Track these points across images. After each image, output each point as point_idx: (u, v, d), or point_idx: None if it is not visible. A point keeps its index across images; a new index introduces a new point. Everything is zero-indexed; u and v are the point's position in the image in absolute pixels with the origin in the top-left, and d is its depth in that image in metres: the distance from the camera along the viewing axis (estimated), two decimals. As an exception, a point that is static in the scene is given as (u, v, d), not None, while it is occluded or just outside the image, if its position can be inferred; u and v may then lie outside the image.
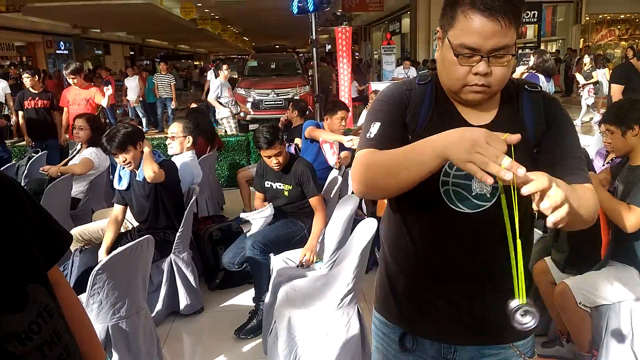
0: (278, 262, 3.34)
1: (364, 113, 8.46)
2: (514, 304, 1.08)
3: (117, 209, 3.55)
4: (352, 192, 3.98)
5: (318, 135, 4.42)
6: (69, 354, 1.04)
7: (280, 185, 3.60)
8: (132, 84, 12.51)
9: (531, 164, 1.27)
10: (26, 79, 6.38)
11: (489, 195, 1.26)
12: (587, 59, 11.80)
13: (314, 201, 3.48)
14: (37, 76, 6.51)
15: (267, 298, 3.12)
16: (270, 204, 3.66)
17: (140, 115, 12.82)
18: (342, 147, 4.39)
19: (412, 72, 12.39)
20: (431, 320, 1.35)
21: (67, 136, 6.34)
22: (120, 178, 3.50)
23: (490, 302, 1.31)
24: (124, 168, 3.46)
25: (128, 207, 3.59)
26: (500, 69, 1.19)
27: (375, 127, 1.29)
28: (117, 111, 14.05)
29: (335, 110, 4.50)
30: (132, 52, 34.03)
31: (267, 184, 3.65)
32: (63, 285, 1.21)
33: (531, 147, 1.29)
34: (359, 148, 1.30)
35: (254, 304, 3.41)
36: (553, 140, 1.30)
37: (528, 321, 1.08)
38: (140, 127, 12.39)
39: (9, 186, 1.02)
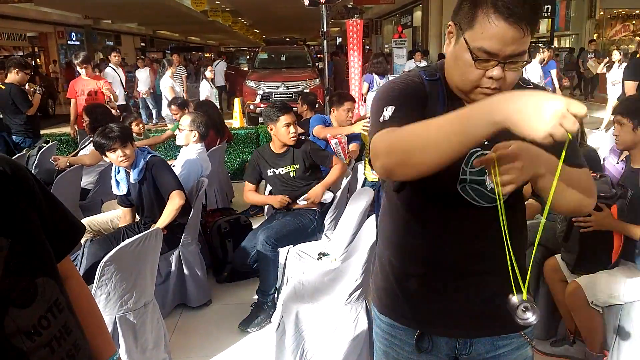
0: (291, 255, 3.33)
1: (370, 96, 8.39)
2: (515, 299, 1.13)
3: (125, 210, 3.57)
4: (363, 186, 3.97)
5: (326, 134, 4.41)
6: (78, 350, 1.02)
7: (283, 170, 3.60)
8: (143, 76, 12.54)
9: None
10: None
11: None
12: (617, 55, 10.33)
13: (333, 163, 3.65)
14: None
15: (281, 292, 3.12)
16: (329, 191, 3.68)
17: (151, 106, 12.84)
18: (349, 140, 4.37)
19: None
20: (447, 316, 1.35)
21: (77, 127, 6.37)
22: (118, 183, 3.46)
23: (502, 292, 1.32)
24: (119, 172, 3.42)
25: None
26: (513, 74, 1.18)
27: (389, 111, 1.20)
28: (129, 103, 14.07)
29: (341, 102, 4.48)
30: (142, 44, 34.07)
31: (270, 172, 3.63)
32: (74, 276, 1.19)
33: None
34: (373, 133, 1.20)
35: (258, 297, 3.41)
36: None
37: (529, 316, 1.12)
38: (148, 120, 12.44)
39: (21, 176, 1.00)
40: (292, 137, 3.54)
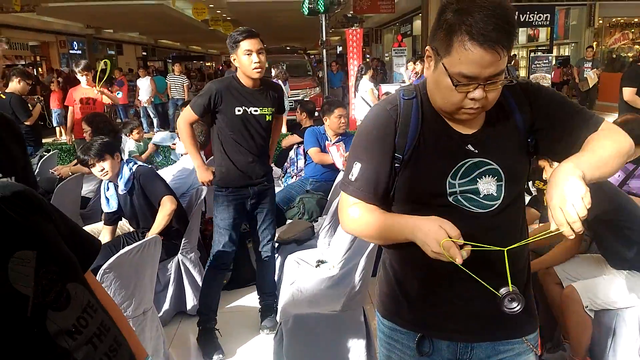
0: (290, 262, 3.35)
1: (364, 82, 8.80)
2: (503, 290, 1.22)
3: (107, 229, 3.52)
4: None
5: (325, 160, 4.44)
6: (119, 345, 1.07)
7: (257, 110, 2.96)
8: (144, 85, 12.61)
9: (526, 157, 1.37)
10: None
11: (495, 194, 1.31)
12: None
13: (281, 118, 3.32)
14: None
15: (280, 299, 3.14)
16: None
17: (152, 115, 12.90)
18: (347, 148, 4.41)
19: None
20: (449, 320, 1.36)
21: (73, 136, 6.39)
22: (107, 200, 3.43)
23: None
24: (108, 189, 3.42)
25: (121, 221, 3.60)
26: (494, 92, 1.23)
27: (356, 169, 1.36)
28: (130, 111, 14.15)
29: (332, 110, 4.48)
30: (144, 53, 34.21)
31: (238, 110, 2.91)
32: (97, 288, 1.24)
33: (524, 139, 1.34)
34: (342, 187, 1.41)
35: (266, 300, 3.40)
36: (544, 114, 1.34)
37: (515, 306, 1.22)
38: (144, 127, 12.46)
39: (34, 197, 1.07)
40: (255, 68, 2.84)
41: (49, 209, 1.10)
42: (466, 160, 1.30)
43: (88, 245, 1.23)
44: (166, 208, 3.29)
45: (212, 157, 5.04)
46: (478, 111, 1.24)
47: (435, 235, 1.16)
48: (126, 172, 3.31)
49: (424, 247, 1.19)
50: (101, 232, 3.57)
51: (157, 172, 3.68)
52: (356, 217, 1.37)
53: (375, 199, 1.37)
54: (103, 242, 3.41)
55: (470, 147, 1.30)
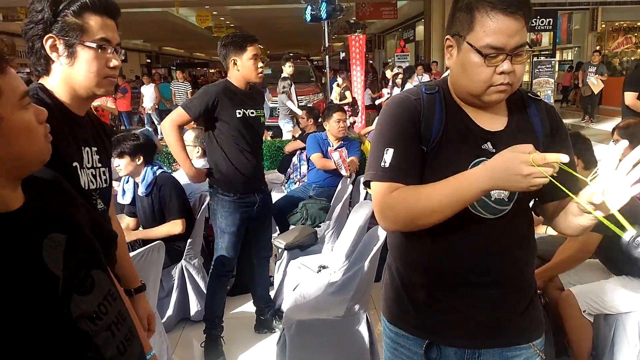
0: (293, 268, 3.36)
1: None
2: (627, 236, 1.07)
3: (130, 220, 3.57)
4: (365, 199, 4.00)
5: (327, 165, 4.46)
6: (132, 335, 1.11)
7: (253, 112, 2.99)
8: (149, 92, 12.68)
9: None
10: None
11: (506, 200, 1.30)
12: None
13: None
14: None
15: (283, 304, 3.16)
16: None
17: (156, 122, 12.96)
18: (348, 152, 4.43)
19: (426, 79, 12.35)
20: (456, 326, 1.36)
21: None
22: (124, 192, 3.49)
23: (512, 303, 1.36)
24: (127, 182, 3.47)
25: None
26: (520, 67, 1.24)
27: (389, 155, 1.27)
28: (134, 118, 14.21)
29: (330, 114, 4.55)
30: (148, 60, 34.36)
31: (238, 112, 2.90)
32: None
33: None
34: (375, 178, 1.30)
35: (269, 307, 3.45)
36: (557, 148, 1.33)
37: None
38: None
39: (65, 184, 1.13)
40: (260, 73, 2.94)
41: (76, 198, 1.14)
42: (481, 159, 1.28)
43: (106, 235, 1.26)
44: (176, 228, 3.33)
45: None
46: (508, 88, 1.24)
47: (519, 159, 1.06)
48: (149, 176, 3.33)
49: (513, 182, 1.08)
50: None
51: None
52: (402, 198, 1.24)
53: (415, 182, 1.27)
54: (128, 230, 3.50)
55: (489, 145, 1.30)
